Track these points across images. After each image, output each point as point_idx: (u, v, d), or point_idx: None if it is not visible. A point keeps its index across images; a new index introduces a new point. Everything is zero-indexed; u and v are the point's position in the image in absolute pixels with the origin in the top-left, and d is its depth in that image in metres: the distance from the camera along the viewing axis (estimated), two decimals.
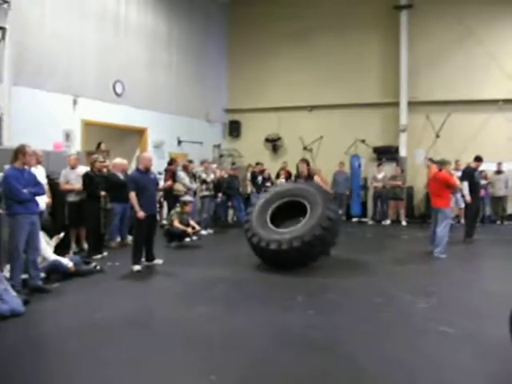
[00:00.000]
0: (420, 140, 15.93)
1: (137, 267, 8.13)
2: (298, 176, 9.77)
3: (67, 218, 9.52)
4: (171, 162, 13.19)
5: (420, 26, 15.88)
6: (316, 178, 9.59)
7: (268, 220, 8.55)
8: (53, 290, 6.88)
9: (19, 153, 6.85)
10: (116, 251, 9.69)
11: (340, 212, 8.91)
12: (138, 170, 8.52)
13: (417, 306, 6.23)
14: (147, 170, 8.43)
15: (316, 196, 8.44)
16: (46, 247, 7.71)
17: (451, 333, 5.21)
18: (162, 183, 12.16)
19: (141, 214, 8.04)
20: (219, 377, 4.14)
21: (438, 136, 15.61)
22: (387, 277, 7.96)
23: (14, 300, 5.87)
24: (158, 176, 10.89)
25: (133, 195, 8.09)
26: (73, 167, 9.60)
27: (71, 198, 9.55)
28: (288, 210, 8.85)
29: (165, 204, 12.92)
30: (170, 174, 12.61)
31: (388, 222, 14.89)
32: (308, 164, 9.84)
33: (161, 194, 12.61)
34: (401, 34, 16.02)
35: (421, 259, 9.53)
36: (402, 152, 15.97)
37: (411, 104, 15.99)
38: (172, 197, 12.18)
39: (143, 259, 8.40)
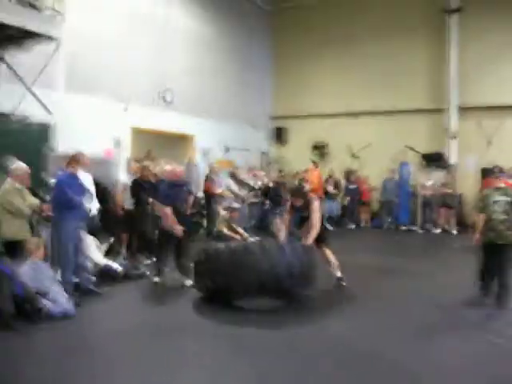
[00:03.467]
0: (471, 146, 15.51)
1: (156, 279, 7.81)
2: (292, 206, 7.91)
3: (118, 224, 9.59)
4: (210, 168, 13.08)
5: (470, 28, 15.48)
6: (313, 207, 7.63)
7: None
8: (103, 293, 7.00)
9: (73, 160, 7.03)
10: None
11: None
12: (166, 182, 8.10)
13: (467, 315, 6.10)
14: (173, 183, 7.93)
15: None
16: (97, 252, 7.87)
17: (500, 343, 5.08)
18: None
19: (178, 230, 7.55)
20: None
21: (490, 143, 15.21)
22: (437, 285, 7.81)
23: (66, 302, 6.01)
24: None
25: (167, 210, 7.61)
26: (134, 173, 9.77)
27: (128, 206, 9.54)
28: None
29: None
30: (209, 181, 12.57)
31: (438, 230, 14.55)
32: (303, 196, 7.77)
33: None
34: (450, 38, 15.67)
35: (472, 268, 9.27)
36: (452, 159, 15.61)
37: (461, 109, 15.63)
38: (212, 203, 12.21)
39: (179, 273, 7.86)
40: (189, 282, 7.58)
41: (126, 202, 9.50)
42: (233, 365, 4.62)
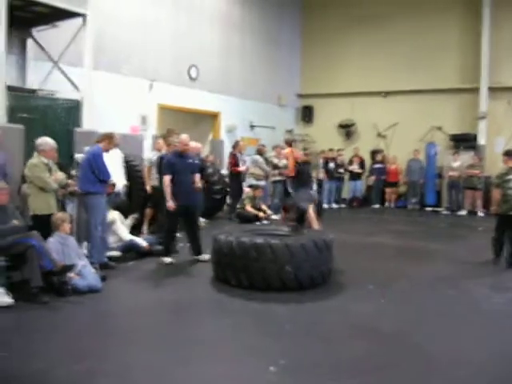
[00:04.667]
0: (500, 128, 15.22)
1: (167, 259, 7.51)
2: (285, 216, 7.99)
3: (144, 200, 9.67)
4: (234, 145, 12.89)
5: (503, 7, 15.06)
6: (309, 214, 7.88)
7: None
8: (117, 268, 7.12)
9: (107, 138, 7.24)
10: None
11: None
12: (174, 152, 7.84)
13: (492, 301, 6.03)
14: (183, 154, 7.65)
15: None
16: (122, 227, 7.98)
17: None
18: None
19: (170, 204, 7.28)
20: (289, 362, 4.14)
21: None
22: (461, 268, 7.71)
23: (92, 276, 6.13)
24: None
25: (167, 181, 7.38)
26: (159, 150, 9.62)
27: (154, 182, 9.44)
28: None
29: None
30: (233, 158, 12.50)
31: (464, 212, 14.39)
32: (294, 208, 7.85)
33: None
34: (483, 17, 15.25)
35: None
36: (481, 140, 15.32)
37: (492, 90, 15.28)
38: (236, 180, 12.24)
39: (192, 252, 7.79)
40: (204, 257, 7.54)
41: (152, 178, 9.52)
42: (254, 341, 4.66)
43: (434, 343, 4.61)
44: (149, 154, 10.04)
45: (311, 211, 7.68)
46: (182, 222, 7.72)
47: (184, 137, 7.76)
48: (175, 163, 7.49)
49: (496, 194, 7.93)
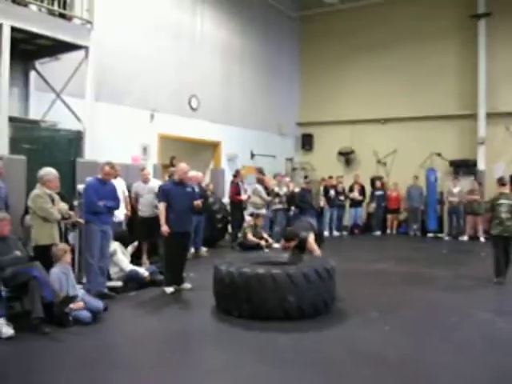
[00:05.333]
0: (499, 153, 15.30)
1: (169, 289, 7.47)
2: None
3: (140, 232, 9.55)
4: (235, 174, 12.95)
5: (499, 34, 15.30)
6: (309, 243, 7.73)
7: None
8: (116, 297, 7.11)
9: (100, 168, 7.42)
10: (191, 262, 9.72)
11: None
12: (172, 180, 7.97)
13: (496, 326, 6.00)
14: (182, 182, 7.72)
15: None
16: (123, 258, 7.98)
17: None
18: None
19: (165, 228, 7.32)
20: None
21: None
22: (464, 294, 7.71)
23: (94, 306, 6.12)
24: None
25: (161, 207, 7.47)
26: (145, 181, 9.74)
27: (145, 214, 9.49)
28: None
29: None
30: (234, 187, 12.53)
31: (465, 237, 14.36)
32: (295, 237, 7.62)
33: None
34: (479, 43, 15.48)
35: None
36: (481, 165, 15.40)
37: (490, 115, 15.40)
38: (238, 209, 12.26)
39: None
40: (186, 286, 7.66)
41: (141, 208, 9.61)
42: (257, 370, 4.62)
43: (438, 370, 4.58)
44: (136, 184, 9.89)
45: (311, 239, 7.67)
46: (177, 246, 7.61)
47: (182, 165, 7.85)
48: (171, 191, 7.55)
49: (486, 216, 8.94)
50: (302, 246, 7.60)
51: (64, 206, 6.96)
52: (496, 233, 8.48)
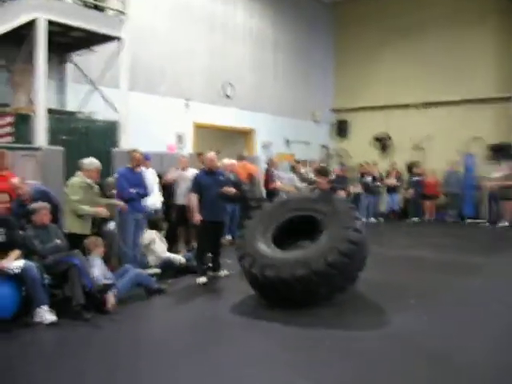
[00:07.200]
0: None
1: (201, 279, 7.33)
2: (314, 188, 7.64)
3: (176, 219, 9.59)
4: (269, 162, 12.83)
5: None
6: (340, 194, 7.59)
7: (270, 238, 6.43)
8: (168, 285, 7.11)
9: (130, 156, 7.64)
10: (226, 248, 9.63)
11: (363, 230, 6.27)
12: (203, 170, 7.89)
13: None
14: (212, 171, 7.67)
15: (336, 210, 6.31)
16: (161, 244, 8.06)
17: None
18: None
19: (197, 217, 7.32)
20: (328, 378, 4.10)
21: None
22: (504, 283, 7.51)
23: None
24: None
25: (192, 197, 7.48)
26: (183, 169, 9.82)
27: (180, 201, 9.35)
28: (299, 229, 6.71)
29: None
30: (268, 175, 12.40)
31: (506, 223, 14.06)
32: (326, 174, 7.61)
33: None
34: None
35: None
36: None
37: None
38: (272, 196, 12.16)
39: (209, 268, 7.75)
40: (222, 273, 7.71)
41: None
42: (293, 358, 4.63)
43: (478, 362, 4.50)
44: (169, 174, 9.89)
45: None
46: (210, 235, 7.61)
47: (210, 154, 7.83)
48: (202, 181, 7.54)
49: None
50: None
51: (104, 211, 6.94)
52: None
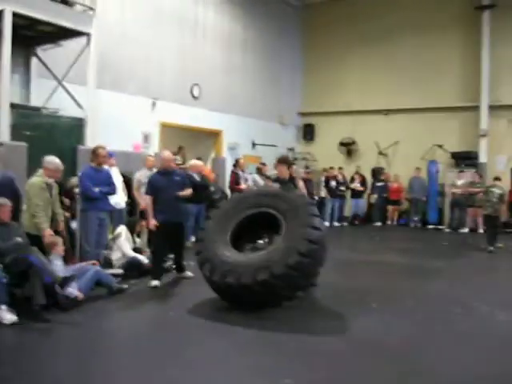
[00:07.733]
0: (501, 146, 15.27)
1: (154, 282, 7.06)
2: (276, 180, 7.43)
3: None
4: (235, 164, 12.82)
5: (503, 26, 15.16)
6: (299, 184, 7.42)
7: (228, 240, 6.21)
8: (131, 286, 7.03)
9: (93, 153, 7.49)
10: (191, 251, 9.62)
11: (324, 226, 6.27)
12: (158, 171, 7.68)
13: (497, 319, 5.98)
14: (167, 171, 7.40)
15: (294, 207, 6.06)
16: (126, 243, 7.95)
17: None
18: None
19: (152, 222, 7.12)
20: (295, 381, 4.08)
21: None
22: (464, 286, 7.69)
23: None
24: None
25: (147, 200, 7.29)
26: (150, 169, 9.68)
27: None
28: (259, 223, 6.52)
29: None
30: (234, 176, 12.45)
31: (466, 230, 14.37)
32: (289, 166, 7.40)
33: None
34: (483, 35, 15.40)
35: (499, 270, 9.17)
36: (482, 158, 15.37)
37: (492, 108, 15.35)
38: None
39: (174, 269, 7.73)
40: (187, 274, 7.57)
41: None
42: (257, 361, 4.62)
43: (436, 362, 4.58)
44: (137, 174, 9.67)
45: (302, 184, 7.48)
46: (167, 238, 7.37)
47: (165, 154, 7.59)
48: (156, 182, 7.31)
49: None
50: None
51: (58, 211, 6.83)
52: (487, 213, 11.00)
